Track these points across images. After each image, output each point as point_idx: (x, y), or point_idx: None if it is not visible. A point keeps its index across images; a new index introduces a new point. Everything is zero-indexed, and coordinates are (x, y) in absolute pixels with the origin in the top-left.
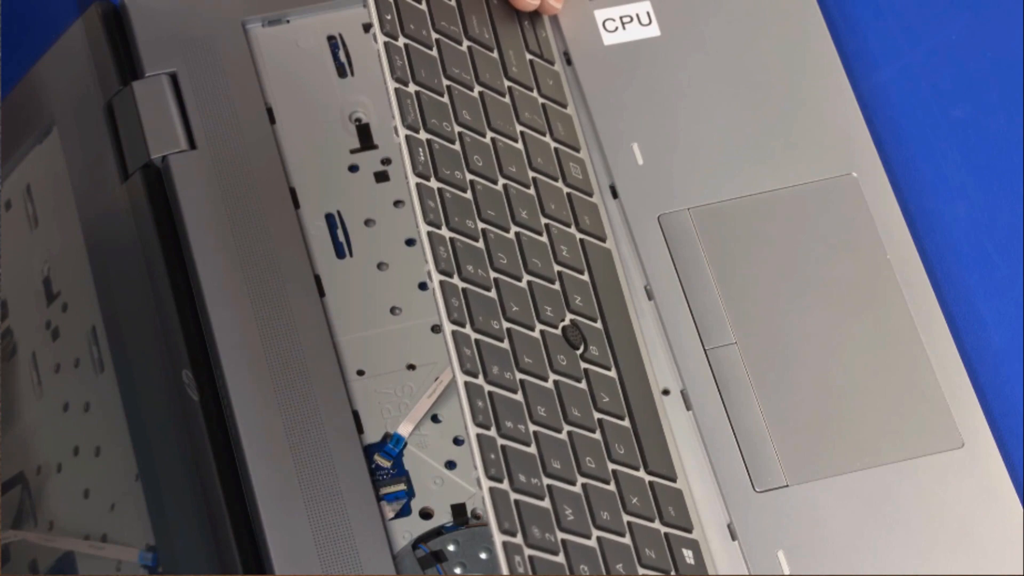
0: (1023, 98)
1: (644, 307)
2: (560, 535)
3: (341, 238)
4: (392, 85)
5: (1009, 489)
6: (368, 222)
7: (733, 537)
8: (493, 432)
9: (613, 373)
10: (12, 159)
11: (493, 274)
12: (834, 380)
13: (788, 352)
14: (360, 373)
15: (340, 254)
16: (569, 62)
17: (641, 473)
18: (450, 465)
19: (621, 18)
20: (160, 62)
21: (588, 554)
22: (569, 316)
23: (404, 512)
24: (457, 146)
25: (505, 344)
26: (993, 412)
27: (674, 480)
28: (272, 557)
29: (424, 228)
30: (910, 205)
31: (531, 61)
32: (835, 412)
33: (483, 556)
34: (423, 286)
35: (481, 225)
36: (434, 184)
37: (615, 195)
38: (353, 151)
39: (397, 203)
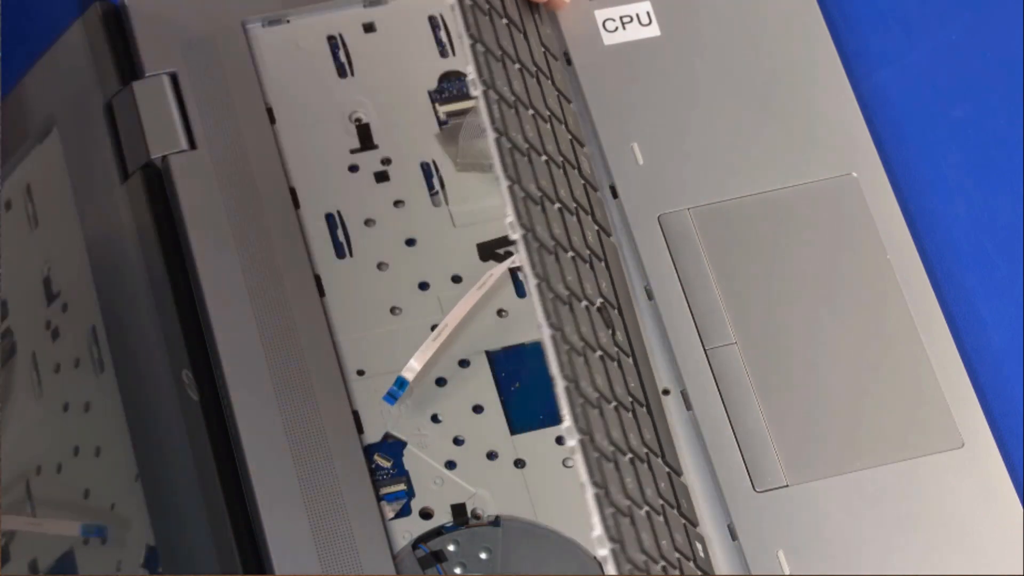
0: (1023, 98)
1: (644, 307)
2: (625, 501)
3: (341, 238)
4: (467, 41)
5: (1009, 489)
6: (368, 222)
7: (733, 537)
8: (573, 388)
9: (631, 361)
10: (12, 159)
11: (551, 241)
12: (834, 380)
13: (788, 352)
14: (360, 373)
15: (340, 254)
16: (569, 62)
17: (660, 462)
18: (450, 465)
19: (621, 18)
20: (160, 62)
21: (642, 525)
22: (599, 299)
23: (404, 512)
24: (514, 113)
25: (566, 310)
26: (993, 412)
27: (680, 475)
28: (272, 557)
29: (505, 183)
30: (910, 205)
31: (544, 52)
32: (835, 412)
33: (483, 556)
34: (423, 286)
35: (538, 192)
36: (505, 143)
37: (615, 195)
38: (353, 151)
39: (397, 203)
